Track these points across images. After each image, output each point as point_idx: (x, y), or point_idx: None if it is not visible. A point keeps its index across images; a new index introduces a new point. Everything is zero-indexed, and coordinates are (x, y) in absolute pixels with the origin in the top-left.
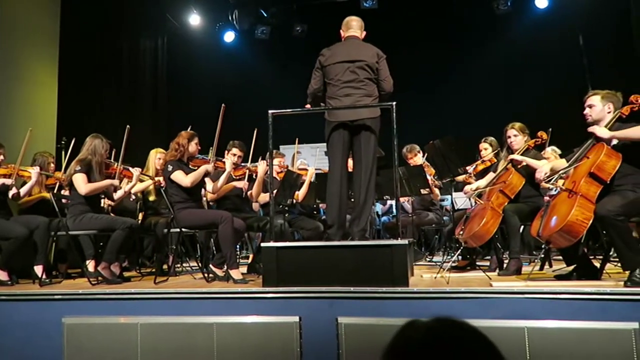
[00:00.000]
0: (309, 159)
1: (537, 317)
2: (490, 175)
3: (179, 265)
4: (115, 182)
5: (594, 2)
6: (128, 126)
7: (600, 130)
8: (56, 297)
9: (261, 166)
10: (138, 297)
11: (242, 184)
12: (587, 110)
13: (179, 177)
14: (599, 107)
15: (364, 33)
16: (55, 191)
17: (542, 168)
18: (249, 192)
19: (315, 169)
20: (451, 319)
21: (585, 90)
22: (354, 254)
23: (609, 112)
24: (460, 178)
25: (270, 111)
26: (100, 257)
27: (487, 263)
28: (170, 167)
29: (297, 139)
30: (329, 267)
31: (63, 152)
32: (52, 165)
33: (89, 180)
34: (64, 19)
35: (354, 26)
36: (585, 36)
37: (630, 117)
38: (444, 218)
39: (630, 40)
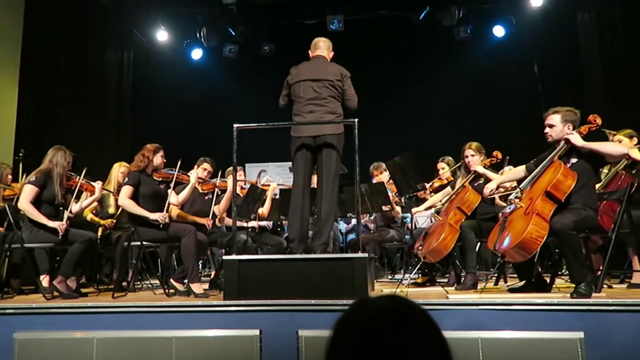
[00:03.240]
0: (274, 178)
1: (491, 327)
2: (447, 190)
3: (138, 283)
4: (57, 224)
5: (547, 34)
6: (85, 168)
7: (575, 138)
8: (8, 311)
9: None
10: (94, 311)
11: (207, 221)
12: (547, 130)
13: (122, 191)
14: (559, 128)
15: (332, 53)
16: (13, 203)
17: (489, 185)
18: (216, 209)
19: (278, 184)
20: (401, 297)
21: (539, 114)
22: (315, 267)
23: (569, 132)
24: (420, 194)
25: (235, 125)
26: (56, 272)
27: (446, 280)
28: (126, 179)
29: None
30: (290, 280)
31: (21, 164)
32: (9, 176)
33: (44, 192)
34: (26, 27)
35: (320, 47)
36: (540, 64)
37: (587, 137)
38: (406, 236)
39: (580, 70)
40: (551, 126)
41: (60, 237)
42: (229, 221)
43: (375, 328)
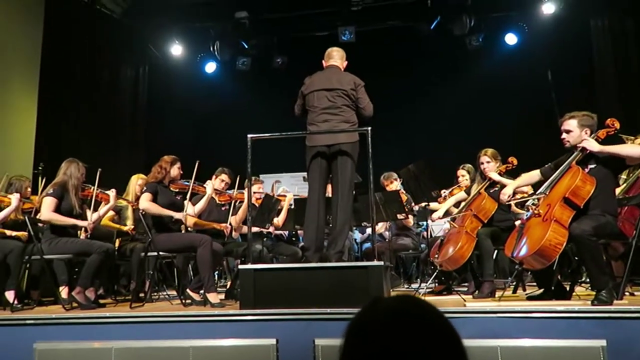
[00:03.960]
0: (289, 188)
1: (510, 335)
2: (461, 195)
3: (155, 293)
4: (81, 223)
5: (560, 41)
6: (100, 169)
7: (591, 144)
8: (28, 322)
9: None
10: (113, 322)
11: (225, 227)
12: (564, 135)
13: (142, 200)
14: (577, 133)
15: (345, 63)
16: (32, 215)
17: (505, 190)
18: (232, 220)
19: (294, 195)
20: (414, 297)
21: (554, 122)
22: (331, 275)
23: (585, 139)
24: (434, 205)
25: (249, 135)
26: (74, 283)
27: (466, 288)
28: (144, 189)
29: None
30: (306, 289)
31: (40, 178)
32: (29, 189)
33: (62, 204)
34: (45, 45)
35: (334, 56)
36: (554, 71)
37: (605, 141)
38: (421, 245)
39: (593, 77)
40: (568, 131)
41: (88, 235)
42: (245, 228)
43: (384, 328)
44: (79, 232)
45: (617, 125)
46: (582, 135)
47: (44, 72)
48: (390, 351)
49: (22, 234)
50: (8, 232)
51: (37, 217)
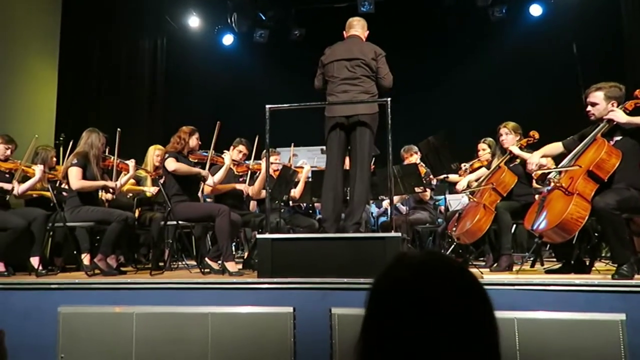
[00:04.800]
0: (306, 161)
1: (527, 308)
2: (482, 171)
3: (174, 263)
4: (110, 184)
5: (587, 12)
6: (119, 129)
7: (618, 115)
8: (52, 286)
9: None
10: (134, 287)
11: (244, 187)
12: (589, 108)
13: (169, 163)
14: (603, 105)
15: (367, 32)
16: (57, 185)
17: (532, 159)
18: (250, 191)
19: (312, 167)
20: (440, 253)
21: (578, 97)
22: (348, 246)
23: (612, 109)
24: (454, 177)
25: (267, 106)
26: (96, 250)
27: (484, 262)
28: (166, 156)
29: (292, 144)
30: (323, 259)
31: (61, 148)
32: (54, 159)
33: (86, 174)
34: (64, 16)
35: (355, 25)
36: (579, 44)
37: (632, 113)
38: (438, 220)
39: (621, 50)
40: (593, 104)
41: (114, 196)
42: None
43: (411, 280)
44: (103, 194)
45: None
46: (608, 107)
47: (64, 44)
48: (417, 298)
49: (47, 193)
50: (35, 193)
51: (63, 186)
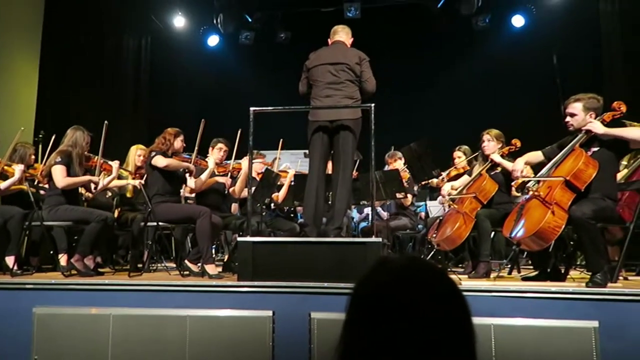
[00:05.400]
0: (290, 165)
1: (504, 314)
2: (466, 178)
3: (153, 264)
4: (95, 178)
5: (567, 25)
6: (106, 122)
7: (596, 126)
8: (27, 286)
9: (245, 163)
10: (111, 289)
11: (226, 179)
12: (568, 119)
13: (157, 159)
14: (581, 116)
15: (351, 39)
16: (35, 183)
17: (516, 166)
18: (231, 189)
19: (296, 172)
20: (420, 258)
21: (559, 106)
22: (329, 250)
23: (590, 122)
24: (434, 182)
25: (252, 108)
26: (73, 250)
27: (462, 269)
28: (152, 154)
29: (281, 140)
30: (303, 263)
31: (40, 146)
32: (33, 156)
33: (69, 172)
34: (47, 12)
35: (339, 32)
36: (559, 55)
37: (610, 124)
38: (418, 226)
39: (600, 62)
40: (572, 115)
41: (94, 189)
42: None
43: (392, 284)
44: (83, 191)
45: (624, 108)
46: (587, 118)
47: (46, 40)
48: (397, 302)
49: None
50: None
51: (41, 184)
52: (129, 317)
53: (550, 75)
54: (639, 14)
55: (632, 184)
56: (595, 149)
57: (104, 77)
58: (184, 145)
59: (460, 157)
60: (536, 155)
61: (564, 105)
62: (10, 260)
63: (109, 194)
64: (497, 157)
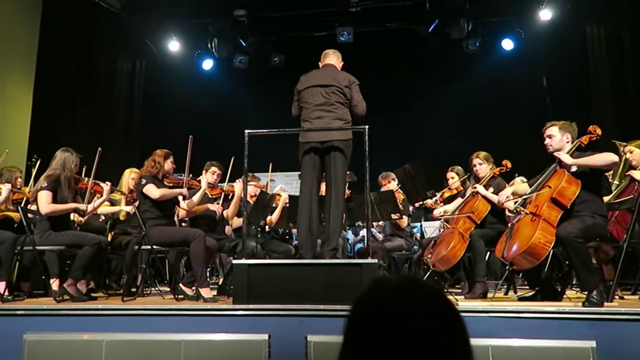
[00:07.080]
0: (285, 187)
1: (501, 335)
2: (458, 201)
3: (147, 288)
4: (82, 206)
5: (556, 48)
6: (100, 149)
7: (564, 157)
8: (18, 312)
9: (238, 186)
10: (104, 314)
11: (217, 207)
12: (547, 141)
13: (149, 189)
14: (558, 137)
15: (341, 63)
16: (22, 205)
17: (504, 192)
18: (224, 212)
19: (290, 195)
20: (417, 277)
21: None
22: (325, 272)
23: (567, 142)
24: (429, 203)
25: (247, 131)
26: (66, 275)
27: (455, 290)
28: (143, 181)
29: (270, 164)
30: (299, 285)
31: (33, 170)
32: (20, 180)
33: (57, 197)
34: (42, 37)
35: (330, 55)
36: (548, 77)
37: (588, 146)
38: (414, 247)
39: (588, 84)
40: (550, 136)
41: (84, 214)
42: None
43: (388, 304)
44: (75, 217)
45: (599, 131)
46: (564, 139)
47: (41, 64)
48: (394, 322)
49: (16, 214)
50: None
51: (31, 207)
52: (122, 343)
53: (540, 97)
54: (623, 36)
55: (622, 203)
56: (574, 168)
57: (98, 101)
58: (174, 166)
59: (453, 178)
60: (523, 187)
61: (542, 132)
62: (1, 286)
63: (102, 217)
64: (482, 190)
